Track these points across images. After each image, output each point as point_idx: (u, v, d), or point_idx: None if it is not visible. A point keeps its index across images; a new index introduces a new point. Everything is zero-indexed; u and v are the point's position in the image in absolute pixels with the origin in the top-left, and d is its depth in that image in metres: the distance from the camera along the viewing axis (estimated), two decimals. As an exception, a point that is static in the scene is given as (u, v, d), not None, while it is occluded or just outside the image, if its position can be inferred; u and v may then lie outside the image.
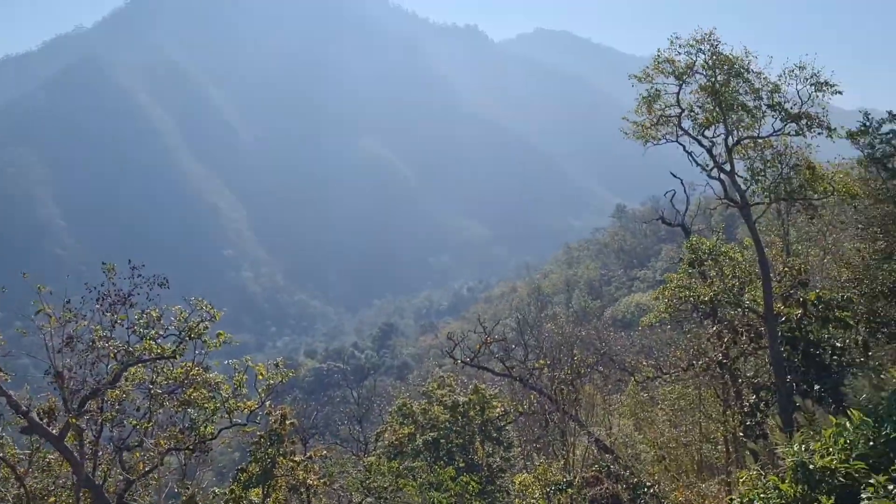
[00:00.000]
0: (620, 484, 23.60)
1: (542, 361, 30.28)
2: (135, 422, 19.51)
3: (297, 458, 19.17)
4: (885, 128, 32.40)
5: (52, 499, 17.70)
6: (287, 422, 19.00)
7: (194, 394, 19.62)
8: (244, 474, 18.45)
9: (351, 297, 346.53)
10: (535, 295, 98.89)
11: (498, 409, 32.30)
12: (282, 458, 18.70)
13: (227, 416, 20.08)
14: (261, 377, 20.37)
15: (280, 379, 20.76)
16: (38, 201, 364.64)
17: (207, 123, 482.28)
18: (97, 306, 19.45)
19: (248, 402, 20.36)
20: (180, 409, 19.67)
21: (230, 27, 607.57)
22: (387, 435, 35.25)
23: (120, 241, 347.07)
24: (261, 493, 18.53)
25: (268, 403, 20.47)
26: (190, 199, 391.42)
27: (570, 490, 21.77)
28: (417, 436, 34.09)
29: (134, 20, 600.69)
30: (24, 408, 17.34)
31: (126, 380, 20.03)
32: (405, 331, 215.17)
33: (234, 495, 18.30)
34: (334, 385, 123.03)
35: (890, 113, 33.11)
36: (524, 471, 28.53)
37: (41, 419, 17.71)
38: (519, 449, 33.21)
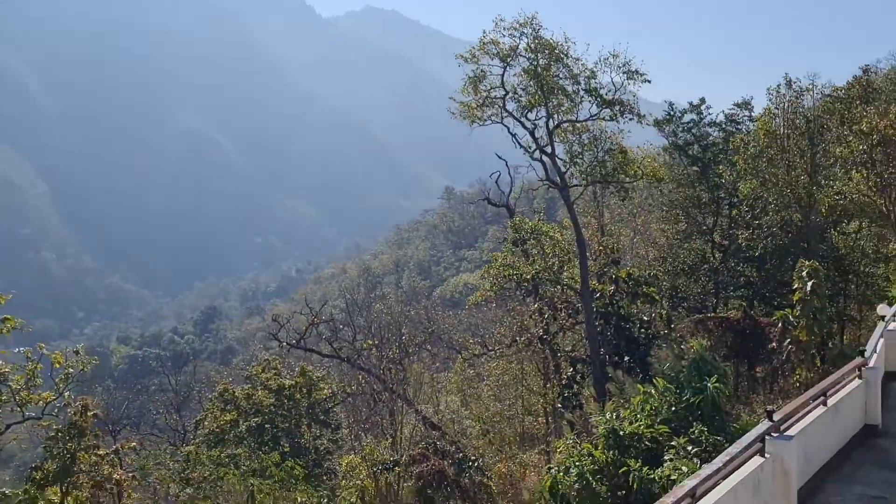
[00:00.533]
0: (447, 460, 23.96)
1: (370, 341, 30.07)
2: None
3: (101, 452, 17.56)
4: (687, 117, 35.38)
5: None
6: (89, 413, 17.32)
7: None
8: (39, 472, 16.61)
9: (170, 279, 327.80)
10: (365, 276, 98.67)
11: (325, 391, 31.74)
12: (83, 453, 17.03)
13: (18, 409, 18.07)
14: (58, 365, 18.52)
15: (81, 367, 19.00)
16: None
17: (6, 93, 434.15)
18: None
19: (44, 394, 18.42)
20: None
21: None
22: (207, 423, 33.55)
23: None
24: (59, 491, 16.79)
25: (67, 394, 18.65)
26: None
27: (396, 468, 21.73)
28: (241, 422, 32.72)
29: None
30: None
31: None
32: (230, 314, 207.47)
33: (27, 496, 16.43)
34: (151, 373, 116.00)
35: (691, 104, 36.18)
36: (352, 452, 28.24)
37: None
38: (347, 430, 32.87)
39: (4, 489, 19.78)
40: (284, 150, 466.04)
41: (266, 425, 31.97)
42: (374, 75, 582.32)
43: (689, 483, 7.22)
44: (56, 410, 18.26)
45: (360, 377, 30.26)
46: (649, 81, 25.69)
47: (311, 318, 30.43)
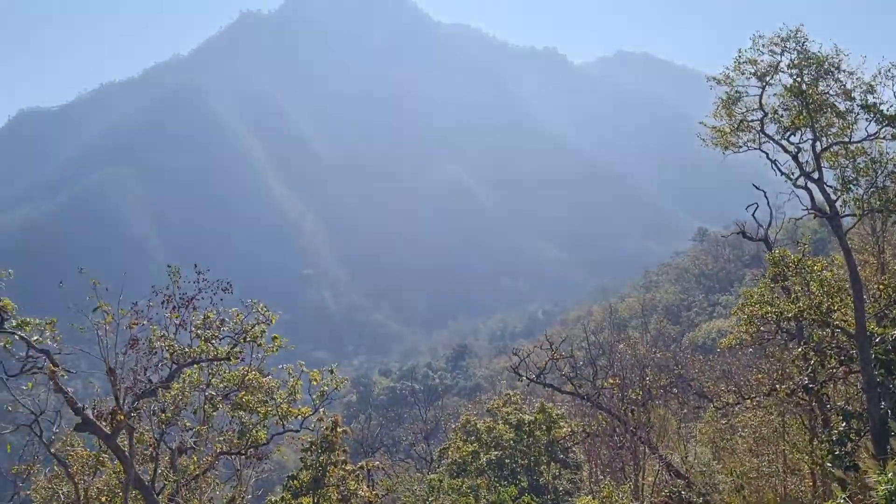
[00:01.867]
0: (693, 512, 22.02)
1: (611, 380, 28.93)
2: (190, 424, 19.40)
3: (348, 468, 18.57)
4: None
5: (104, 498, 17.65)
6: (339, 429, 18.45)
7: (248, 398, 19.37)
8: (294, 482, 17.97)
9: (426, 318, 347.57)
10: (611, 318, 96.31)
11: (565, 429, 31.08)
12: (333, 466, 18.14)
13: (280, 421, 19.76)
14: (314, 383, 20.00)
15: (335, 386, 20.34)
16: (135, 219, 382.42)
17: (291, 146, 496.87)
18: (163, 309, 19.70)
19: (302, 409, 19.98)
20: (235, 414, 19.45)
21: (315, 54, 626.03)
22: (451, 452, 34.42)
23: (207, 258, 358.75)
24: (311, 501, 18.00)
25: (322, 410, 20.06)
26: (274, 219, 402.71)
27: (637, 515, 20.38)
28: (481, 454, 33.11)
29: (225, 49, 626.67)
30: (79, 405, 17.39)
31: (183, 382, 20.00)
32: (479, 352, 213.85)
33: (283, 503, 17.82)
34: (407, 404, 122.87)
35: None
36: (591, 494, 27.18)
37: (97, 418, 17.75)
38: (587, 471, 31.80)
39: (271, 497, 21.74)
40: (535, 195, 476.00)
41: (506, 460, 31.97)
42: (625, 119, 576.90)
43: None
44: (313, 425, 19.67)
45: (601, 417, 29.15)
46: (945, 93, 21.98)
47: (551, 354, 30.05)
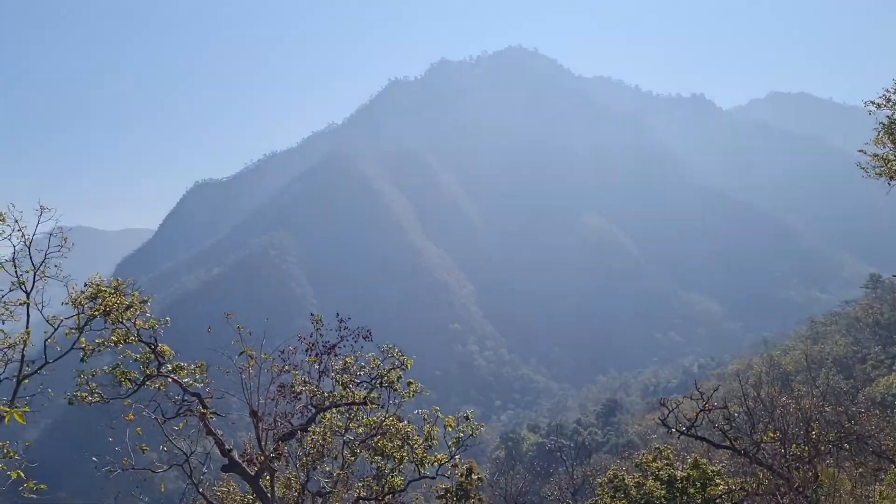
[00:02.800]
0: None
1: (771, 434, 26.63)
2: (329, 468, 19.76)
3: (484, 517, 18.13)
4: None
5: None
6: (474, 476, 18.11)
7: (385, 443, 19.51)
8: (431, 529, 17.77)
9: (575, 372, 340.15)
10: (773, 372, 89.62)
11: (721, 487, 28.80)
12: (468, 514, 17.78)
13: (417, 468, 19.70)
14: (450, 429, 19.84)
15: (471, 432, 20.07)
16: (294, 280, 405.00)
17: (438, 204, 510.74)
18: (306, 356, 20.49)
19: (439, 455, 19.83)
20: (374, 459, 19.63)
21: (459, 115, 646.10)
22: (598, 509, 32.90)
23: (360, 315, 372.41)
24: (448, 550, 17.66)
25: (457, 458, 19.81)
26: (422, 276, 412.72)
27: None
28: (630, 512, 31.37)
29: (376, 115, 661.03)
30: (226, 446, 18.21)
31: (324, 426, 20.49)
32: (630, 408, 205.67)
33: (420, 551, 17.61)
34: (557, 461, 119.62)
35: None
36: (752, 560, 24.86)
37: (244, 461, 18.51)
38: (747, 535, 29.14)
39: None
40: (684, 244, 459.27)
41: (656, 518, 30.11)
42: (780, 162, 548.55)
43: None
44: (448, 472, 19.44)
45: (760, 474, 26.79)
46: None
47: (702, 405, 28.17)
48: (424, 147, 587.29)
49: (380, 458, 19.14)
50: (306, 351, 20.59)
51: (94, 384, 17.06)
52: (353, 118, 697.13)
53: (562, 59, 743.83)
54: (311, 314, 21.25)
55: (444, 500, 17.95)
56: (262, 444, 17.16)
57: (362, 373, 19.77)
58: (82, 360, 17.03)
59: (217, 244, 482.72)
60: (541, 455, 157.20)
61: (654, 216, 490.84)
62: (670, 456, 34.67)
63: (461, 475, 18.26)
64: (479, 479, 18.36)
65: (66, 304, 15.22)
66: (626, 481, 33.29)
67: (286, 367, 19.81)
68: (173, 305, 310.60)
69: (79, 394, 16.80)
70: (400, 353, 20.14)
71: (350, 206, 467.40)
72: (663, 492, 31.55)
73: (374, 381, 19.72)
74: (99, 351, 17.28)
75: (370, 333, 21.79)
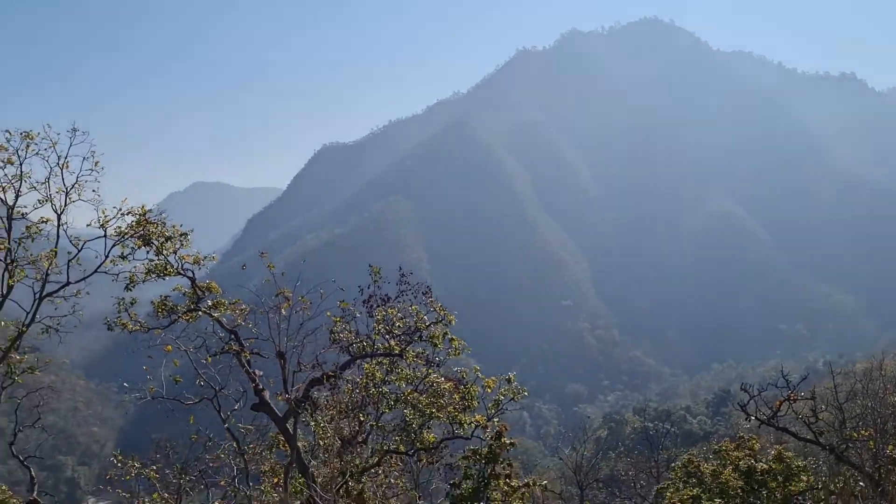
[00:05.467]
0: None
1: (864, 431, 24.00)
2: (364, 418, 19.41)
3: (513, 483, 17.14)
4: None
5: (276, 478, 18.19)
6: (503, 440, 17.14)
7: (420, 398, 18.92)
8: (456, 490, 17.01)
9: (689, 358, 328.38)
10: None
11: (803, 484, 26.42)
12: (495, 479, 16.87)
13: (451, 427, 19.03)
14: (489, 390, 19.02)
15: (512, 396, 19.15)
16: (409, 245, 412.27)
17: (557, 178, 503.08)
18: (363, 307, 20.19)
19: (477, 417, 19.04)
20: (407, 414, 19.12)
21: (587, 87, 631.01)
22: (669, 493, 31.19)
23: (468, 283, 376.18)
24: (473, 513, 16.84)
25: (496, 420, 18.95)
26: (535, 249, 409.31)
27: None
28: (703, 499, 29.49)
29: (501, 84, 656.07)
30: (260, 386, 18.17)
31: (365, 377, 20.11)
32: (745, 400, 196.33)
33: (445, 511, 16.93)
34: (661, 446, 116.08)
35: None
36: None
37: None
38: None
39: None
40: (820, 233, 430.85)
41: (729, 511, 28.15)
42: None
43: None
44: (486, 434, 18.62)
45: (845, 473, 24.30)
46: None
47: (787, 393, 25.80)
48: (548, 119, 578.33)
49: (410, 412, 18.59)
50: (363, 303, 20.28)
51: (134, 312, 17.36)
52: (478, 87, 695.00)
53: (699, 32, 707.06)
54: (370, 265, 20.86)
55: (468, 461, 17.10)
56: (287, 385, 16.95)
57: (401, 324, 19.22)
58: (126, 288, 17.34)
59: (339, 206, 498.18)
60: (643, 439, 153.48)
61: (789, 202, 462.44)
62: (755, 446, 32.36)
63: (491, 438, 17.36)
64: (512, 444, 17.37)
65: (90, 225, 15.42)
66: (701, 468, 31.41)
67: (334, 315, 19.56)
68: (296, 262, 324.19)
69: (119, 319, 17.15)
70: (442, 308, 19.42)
71: (468, 174, 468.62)
72: (741, 483, 29.47)
73: (413, 335, 19.12)
74: (143, 281, 17.54)
75: (430, 289, 21.23)
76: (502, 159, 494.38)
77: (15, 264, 14.44)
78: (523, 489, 17.47)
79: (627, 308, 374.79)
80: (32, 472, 21.91)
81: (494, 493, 17.09)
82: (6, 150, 14.11)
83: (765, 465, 29.27)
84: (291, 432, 17.19)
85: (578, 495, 34.64)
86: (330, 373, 17.82)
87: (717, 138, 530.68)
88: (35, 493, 21.41)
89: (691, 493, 29.91)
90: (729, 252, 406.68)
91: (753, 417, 26.55)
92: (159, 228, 16.92)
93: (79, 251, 15.58)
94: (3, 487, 23.99)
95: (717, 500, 29.03)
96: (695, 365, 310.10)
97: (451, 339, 19.47)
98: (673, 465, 33.21)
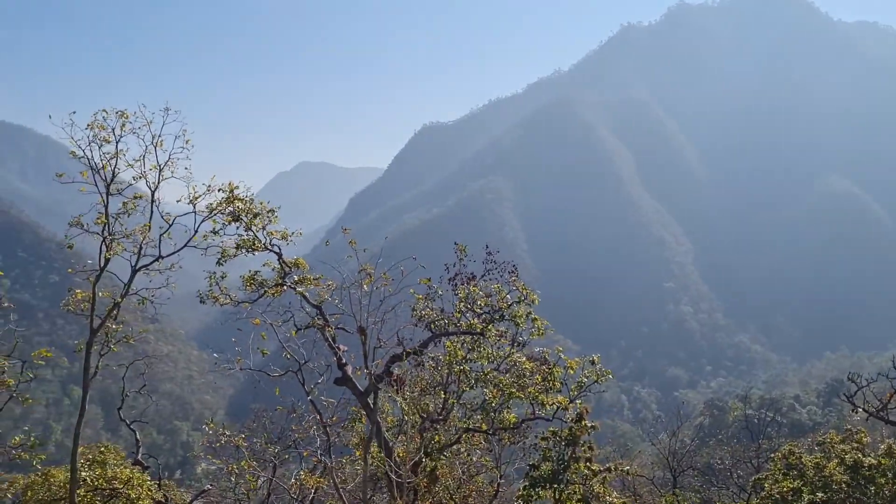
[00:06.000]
0: None
1: None
2: (445, 395, 19.45)
3: (594, 468, 16.82)
4: None
5: (358, 452, 18.51)
6: (584, 422, 16.82)
7: (502, 378, 18.78)
8: (535, 471, 16.88)
9: (799, 345, 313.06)
10: None
11: (915, 483, 24.66)
12: (575, 462, 16.60)
13: (532, 407, 18.82)
14: (571, 372, 18.64)
15: (595, 378, 18.72)
16: (508, 224, 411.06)
17: (662, 157, 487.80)
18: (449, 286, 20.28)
19: (560, 398, 18.75)
20: (488, 393, 19.02)
21: (695, 62, 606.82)
22: (767, 485, 29.88)
23: (567, 263, 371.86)
24: (551, 496, 16.70)
25: (578, 402, 18.59)
26: (637, 229, 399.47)
27: None
28: (804, 493, 28.07)
29: (604, 61, 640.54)
30: (343, 360, 18.51)
31: (448, 356, 20.13)
32: (853, 390, 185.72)
33: (524, 493, 16.84)
34: (765, 435, 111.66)
35: None
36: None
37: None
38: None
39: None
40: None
41: (834, 505, 26.72)
42: None
43: None
44: (567, 416, 18.34)
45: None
46: None
47: (898, 385, 24.06)
48: (653, 97, 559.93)
49: (491, 391, 18.48)
50: (449, 280, 20.34)
51: (224, 286, 17.98)
52: (579, 65, 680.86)
53: (818, 2, 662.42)
54: (455, 243, 20.85)
55: (547, 442, 16.89)
56: (368, 360, 17.16)
57: (483, 302, 19.10)
58: (218, 262, 17.97)
59: (438, 185, 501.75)
60: (745, 427, 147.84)
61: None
62: (863, 440, 30.60)
63: (571, 420, 17.06)
64: (593, 427, 17.03)
65: (179, 201, 15.98)
66: (803, 460, 29.92)
67: (417, 293, 19.68)
68: (396, 241, 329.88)
69: (210, 293, 17.81)
70: (524, 287, 19.15)
71: (568, 153, 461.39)
72: (846, 478, 27.90)
73: (494, 314, 18.97)
74: (234, 256, 18.12)
75: (515, 268, 21.08)
76: (603, 138, 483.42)
77: (112, 238, 15.22)
78: (604, 473, 17.15)
79: (732, 292, 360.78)
80: (137, 436, 23.24)
81: (574, 476, 16.85)
82: (104, 128, 14.84)
83: (873, 460, 27.61)
84: (372, 407, 17.43)
85: (671, 481, 33.72)
86: (410, 350, 17.93)
87: (837, 116, 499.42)
88: (139, 454, 22.71)
89: (791, 486, 28.56)
90: (845, 234, 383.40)
91: (861, 409, 25.00)
92: (247, 205, 17.37)
93: (170, 226, 16.27)
94: (118, 447, 25.43)
95: (820, 495, 27.62)
96: (805, 352, 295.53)
97: (534, 319, 19.21)
98: (772, 455, 31.79)
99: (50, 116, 14.12)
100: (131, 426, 23.20)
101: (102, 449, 18.95)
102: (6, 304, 14.97)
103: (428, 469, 16.52)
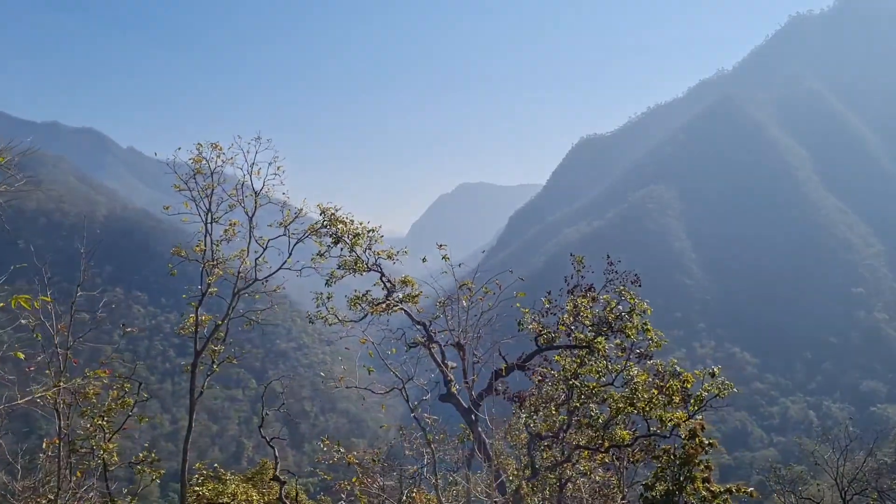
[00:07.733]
0: None
1: None
2: (556, 412, 18.82)
3: (714, 488, 15.43)
4: None
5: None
6: (699, 439, 15.48)
7: (612, 393, 17.87)
8: (650, 492, 15.79)
9: None
10: None
11: None
12: (691, 482, 15.32)
13: (647, 424, 17.70)
14: (689, 386, 17.35)
15: (716, 392, 17.30)
16: (673, 234, 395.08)
17: (841, 152, 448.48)
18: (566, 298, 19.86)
19: (677, 413, 17.49)
20: (597, 409, 18.18)
21: (877, 48, 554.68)
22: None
23: (739, 272, 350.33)
24: (667, 520, 15.51)
25: (699, 417, 17.23)
26: (818, 231, 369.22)
27: None
28: None
29: (772, 56, 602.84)
30: (450, 377, 18.44)
31: (562, 372, 19.53)
32: None
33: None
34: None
35: None
36: None
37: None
38: None
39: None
40: None
41: None
42: None
43: None
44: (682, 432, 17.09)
45: None
46: None
47: None
48: (829, 89, 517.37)
49: (597, 408, 17.62)
50: (568, 292, 19.88)
51: (332, 306, 18.55)
52: (744, 62, 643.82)
53: None
54: (571, 254, 20.38)
55: (659, 461, 15.75)
56: (467, 376, 16.95)
57: (590, 314, 18.33)
58: (327, 283, 18.61)
59: (597, 198, 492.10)
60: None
61: None
62: None
63: (685, 437, 15.80)
64: (710, 444, 15.67)
65: (271, 225, 16.64)
66: None
67: (522, 307, 19.31)
68: (555, 256, 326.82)
69: (318, 314, 18.43)
70: (633, 297, 18.18)
71: (736, 156, 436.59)
72: None
73: (602, 326, 18.14)
74: (342, 277, 18.67)
75: (638, 278, 20.22)
76: (775, 137, 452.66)
77: (213, 263, 16.16)
78: (725, 495, 15.71)
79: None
80: (276, 453, 24.39)
81: (692, 498, 15.58)
82: (202, 160, 15.87)
83: None
84: (476, 425, 17.19)
85: (840, 506, 30.46)
86: (512, 364, 17.55)
87: None
88: (277, 470, 23.81)
89: None
90: None
91: None
92: (349, 227, 17.83)
93: (264, 250, 17.04)
94: (270, 463, 26.81)
95: None
96: None
97: (647, 330, 18.17)
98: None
99: (156, 154, 15.28)
100: (270, 443, 24.34)
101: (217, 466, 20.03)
102: (129, 329, 16.31)
103: (533, 489, 15.99)
